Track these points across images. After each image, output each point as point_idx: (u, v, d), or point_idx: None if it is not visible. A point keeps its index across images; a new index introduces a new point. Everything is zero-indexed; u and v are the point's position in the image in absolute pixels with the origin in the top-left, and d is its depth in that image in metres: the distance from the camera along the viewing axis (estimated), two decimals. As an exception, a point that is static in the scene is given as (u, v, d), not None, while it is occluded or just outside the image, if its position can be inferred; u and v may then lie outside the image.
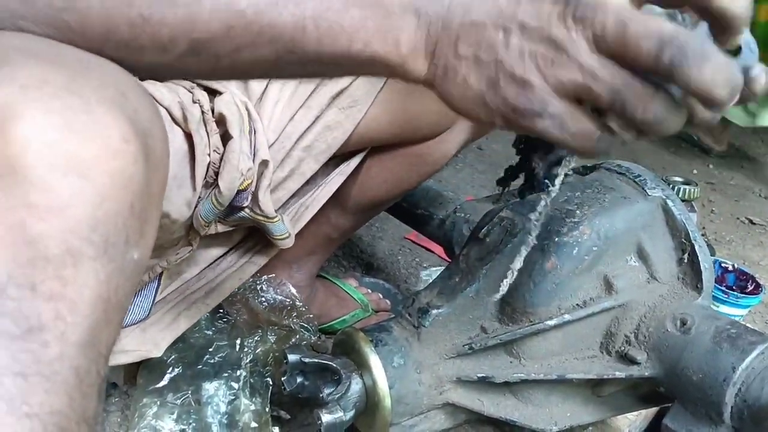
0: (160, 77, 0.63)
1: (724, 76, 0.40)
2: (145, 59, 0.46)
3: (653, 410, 0.95)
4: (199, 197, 0.75)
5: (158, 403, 0.84)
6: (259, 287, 0.95)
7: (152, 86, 0.72)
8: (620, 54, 0.41)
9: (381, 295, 1.24)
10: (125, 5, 0.44)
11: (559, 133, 0.43)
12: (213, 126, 0.74)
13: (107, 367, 0.42)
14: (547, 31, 0.42)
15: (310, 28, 0.45)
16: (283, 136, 0.83)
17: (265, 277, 0.96)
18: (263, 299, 0.94)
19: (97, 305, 0.38)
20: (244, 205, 0.77)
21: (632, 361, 0.73)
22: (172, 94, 0.73)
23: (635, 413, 0.92)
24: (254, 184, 0.77)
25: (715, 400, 0.67)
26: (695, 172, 2.39)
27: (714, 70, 0.39)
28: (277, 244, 0.84)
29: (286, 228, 0.82)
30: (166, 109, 0.72)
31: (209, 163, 0.73)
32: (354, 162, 0.94)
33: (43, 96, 0.37)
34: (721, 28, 0.43)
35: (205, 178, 0.74)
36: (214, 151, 0.73)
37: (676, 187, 1.30)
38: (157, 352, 0.82)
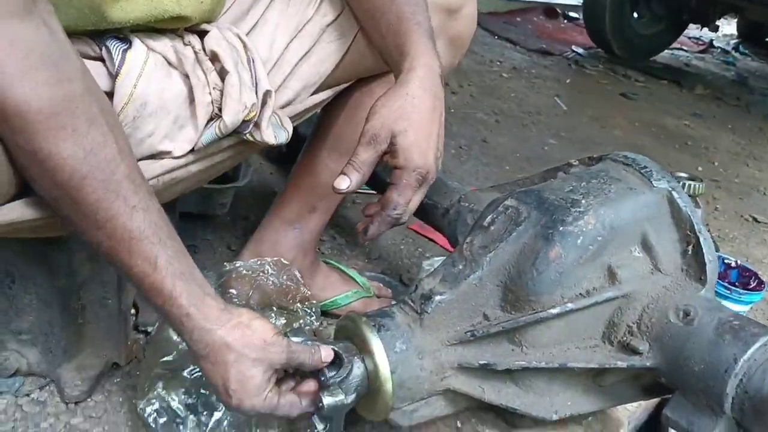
0: None
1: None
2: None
3: (654, 401, 0.95)
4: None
5: (168, 376, 0.85)
6: (266, 269, 0.95)
7: (144, 35, 0.74)
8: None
9: (382, 285, 1.25)
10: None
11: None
12: (208, 64, 0.76)
13: None
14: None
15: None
16: (282, 62, 0.88)
17: (269, 259, 0.96)
18: (270, 282, 0.94)
19: None
20: (245, 132, 0.80)
21: (634, 351, 0.74)
22: (163, 40, 0.75)
23: (636, 404, 0.92)
24: (257, 114, 0.79)
25: (716, 391, 0.67)
26: (700, 169, 2.39)
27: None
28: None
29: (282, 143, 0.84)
30: (161, 54, 0.74)
31: (211, 101, 0.76)
32: (343, 85, 0.98)
33: None
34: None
35: (210, 114, 0.76)
36: (214, 88, 0.76)
37: (681, 183, 1.30)
38: None
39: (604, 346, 0.77)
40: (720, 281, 1.24)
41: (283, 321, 0.89)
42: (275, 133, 0.83)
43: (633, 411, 0.93)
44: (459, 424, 0.87)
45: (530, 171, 1.50)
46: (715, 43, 5.06)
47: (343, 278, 1.19)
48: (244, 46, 0.80)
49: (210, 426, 0.83)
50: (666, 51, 4.24)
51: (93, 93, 0.63)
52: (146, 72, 0.72)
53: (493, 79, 3.01)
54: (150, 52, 0.73)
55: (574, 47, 3.97)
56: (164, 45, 0.74)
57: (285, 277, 0.95)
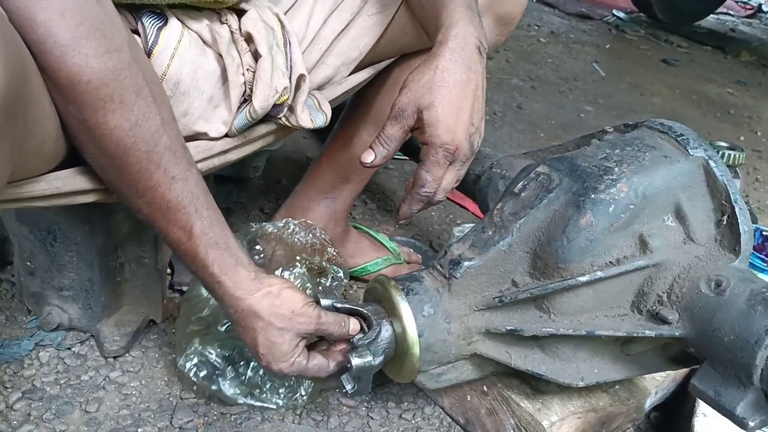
0: None
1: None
2: None
3: (682, 372, 0.95)
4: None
5: (203, 332, 0.87)
6: (291, 229, 0.96)
7: (181, 11, 0.74)
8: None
9: (412, 250, 1.26)
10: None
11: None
12: (243, 45, 0.76)
13: None
14: None
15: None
16: (319, 38, 0.87)
17: (293, 220, 0.98)
18: (296, 239, 0.95)
19: None
20: (279, 116, 0.80)
21: (663, 321, 0.73)
22: (200, 18, 0.75)
23: (664, 374, 0.92)
24: (291, 98, 0.79)
25: (745, 362, 0.66)
26: (742, 138, 2.32)
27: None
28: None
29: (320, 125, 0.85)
30: (197, 33, 0.74)
31: (244, 82, 0.76)
32: (383, 63, 0.97)
33: None
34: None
35: (243, 96, 0.76)
36: (248, 69, 0.76)
37: (720, 152, 1.27)
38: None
39: (632, 315, 0.76)
40: (758, 253, 1.22)
41: (304, 270, 0.90)
42: (312, 116, 0.83)
43: (661, 381, 0.93)
44: (485, 389, 0.88)
45: (565, 138, 1.48)
46: (764, 7, 4.86)
47: (373, 245, 1.19)
48: (282, 26, 0.80)
49: (248, 376, 0.86)
50: (711, 15, 4.09)
51: (139, 63, 0.64)
52: (180, 51, 0.73)
53: (530, 44, 2.95)
54: (185, 29, 0.74)
55: (614, 11, 3.86)
56: (200, 23, 0.75)
57: (311, 235, 0.96)
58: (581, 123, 2.17)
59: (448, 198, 1.51)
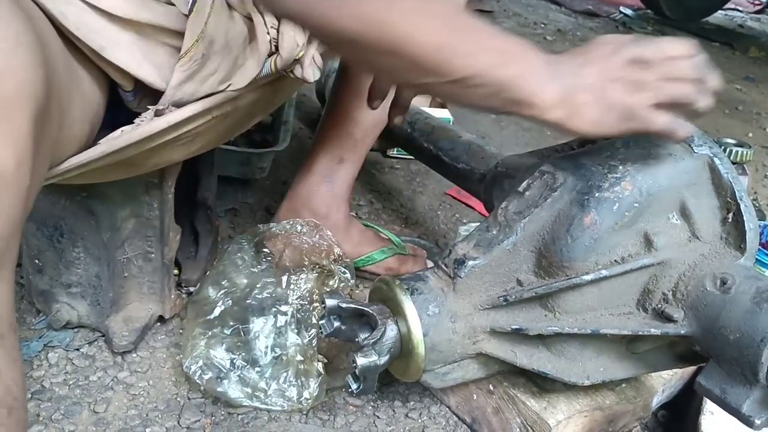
0: None
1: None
2: None
3: (689, 370, 0.94)
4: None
5: (209, 334, 0.88)
6: (298, 229, 0.97)
7: None
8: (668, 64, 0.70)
9: (416, 246, 1.26)
10: None
11: (661, 125, 0.69)
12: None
13: None
14: (629, 77, 0.69)
15: None
16: None
17: (300, 220, 0.98)
18: (303, 241, 0.96)
19: None
20: (291, 69, 0.82)
21: (669, 319, 0.73)
22: None
23: (671, 372, 0.91)
24: (303, 53, 0.81)
25: (751, 360, 0.66)
26: (750, 135, 2.31)
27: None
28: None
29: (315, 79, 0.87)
30: None
31: (270, 39, 0.78)
32: None
33: None
34: None
35: (269, 51, 0.78)
36: (272, 27, 0.78)
37: (728, 149, 1.27)
38: None
39: (638, 313, 0.76)
40: (764, 250, 1.21)
41: (315, 275, 0.91)
42: (313, 71, 0.84)
43: (668, 379, 0.92)
44: (491, 387, 0.88)
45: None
46: (773, 3, 4.83)
47: (378, 235, 1.21)
48: None
49: (253, 379, 0.87)
50: (719, 11, 4.07)
51: None
52: (214, 12, 0.74)
53: (536, 41, 2.93)
54: None
55: (621, 8, 3.85)
56: None
57: (318, 236, 0.97)
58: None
59: (453, 197, 1.52)
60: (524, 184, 0.82)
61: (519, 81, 0.67)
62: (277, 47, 0.79)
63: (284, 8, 0.65)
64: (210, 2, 0.73)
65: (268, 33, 0.78)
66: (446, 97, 0.66)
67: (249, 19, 0.77)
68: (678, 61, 0.70)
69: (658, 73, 0.69)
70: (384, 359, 0.77)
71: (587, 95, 0.68)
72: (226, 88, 0.78)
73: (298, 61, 0.81)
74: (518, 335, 0.78)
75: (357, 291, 1.14)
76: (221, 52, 0.76)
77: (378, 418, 0.91)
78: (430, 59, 0.64)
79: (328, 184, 1.12)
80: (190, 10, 0.72)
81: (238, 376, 0.87)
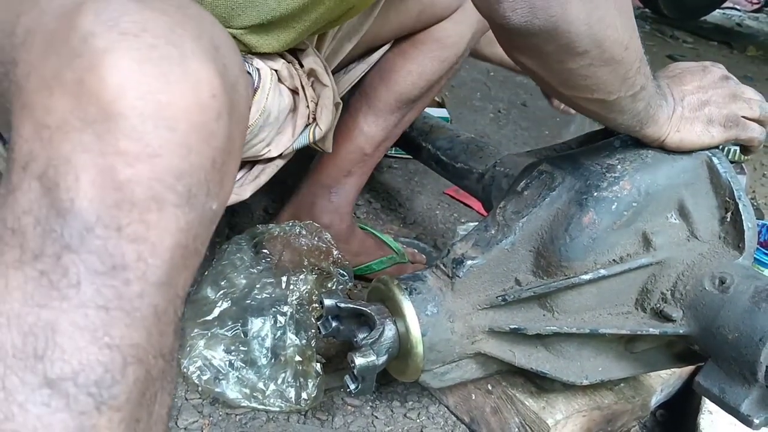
0: None
1: None
2: None
3: (688, 370, 0.94)
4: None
5: (207, 335, 0.88)
6: (297, 231, 0.96)
7: (260, 56, 0.78)
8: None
9: (416, 251, 1.26)
10: None
11: (756, 135, 0.80)
12: (306, 79, 0.83)
13: (183, 308, 0.45)
14: (724, 104, 0.78)
15: None
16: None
17: (299, 222, 0.98)
18: (302, 242, 0.96)
19: (176, 250, 0.40)
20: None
21: (667, 319, 0.73)
22: (276, 58, 0.80)
23: (669, 372, 0.91)
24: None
25: (749, 360, 0.66)
26: (748, 134, 2.31)
27: None
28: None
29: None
30: (276, 71, 0.79)
31: (309, 112, 0.83)
32: (377, 54, 1.04)
33: (141, 45, 0.38)
34: None
35: (306, 122, 0.83)
36: (311, 101, 0.83)
37: (725, 148, 1.27)
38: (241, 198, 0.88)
39: (636, 313, 0.76)
40: (764, 250, 1.21)
41: (314, 276, 0.90)
42: (331, 143, 0.92)
43: (666, 378, 0.92)
44: (490, 387, 0.88)
45: (570, 136, 1.48)
46: (771, 2, 4.84)
47: (377, 244, 1.20)
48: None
49: (251, 379, 0.87)
50: (717, 10, 4.07)
51: None
52: (272, 87, 0.78)
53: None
54: (270, 69, 0.78)
55: (620, 7, 3.84)
56: (277, 63, 0.79)
57: (317, 239, 0.96)
58: (586, 120, 2.16)
59: (452, 196, 1.52)
60: (522, 183, 0.82)
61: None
62: (314, 119, 0.84)
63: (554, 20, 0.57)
64: (269, 78, 0.77)
65: (308, 106, 0.83)
66: (608, 112, 0.65)
67: (294, 92, 0.81)
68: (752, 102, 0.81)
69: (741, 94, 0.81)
70: (382, 359, 0.77)
71: (691, 113, 0.75)
72: (266, 153, 0.82)
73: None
74: (517, 335, 0.78)
75: (355, 291, 1.14)
76: (272, 124, 0.79)
77: (376, 418, 0.91)
78: (634, 67, 0.65)
79: (334, 195, 1.11)
80: (256, 88, 0.75)
81: (237, 376, 0.87)
